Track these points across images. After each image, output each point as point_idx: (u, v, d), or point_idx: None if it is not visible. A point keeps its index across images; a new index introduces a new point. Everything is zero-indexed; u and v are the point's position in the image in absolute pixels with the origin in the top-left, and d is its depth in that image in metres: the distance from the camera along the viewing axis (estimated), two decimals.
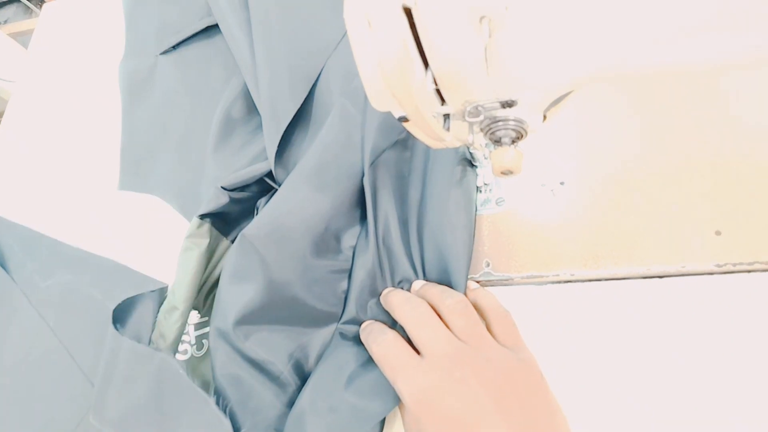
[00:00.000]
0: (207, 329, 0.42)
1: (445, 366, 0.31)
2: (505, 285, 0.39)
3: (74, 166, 0.59)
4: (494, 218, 0.40)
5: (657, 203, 0.37)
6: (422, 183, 0.42)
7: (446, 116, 0.29)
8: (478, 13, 0.24)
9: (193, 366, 0.41)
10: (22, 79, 0.70)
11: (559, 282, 0.38)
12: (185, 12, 0.61)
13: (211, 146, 0.49)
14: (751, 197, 0.36)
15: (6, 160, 0.63)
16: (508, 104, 0.28)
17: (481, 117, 0.29)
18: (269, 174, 0.45)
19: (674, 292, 0.35)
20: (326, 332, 0.39)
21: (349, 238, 0.42)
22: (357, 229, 0.42)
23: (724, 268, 0.35)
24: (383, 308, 0.38)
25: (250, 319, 0.37)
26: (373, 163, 0.42)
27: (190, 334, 0.42)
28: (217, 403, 0.34)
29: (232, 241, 0.45)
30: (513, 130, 0.30)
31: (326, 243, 0.41)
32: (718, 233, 0.35)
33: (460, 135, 0.32)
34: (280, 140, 0.44)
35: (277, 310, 0.38)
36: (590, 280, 0.37)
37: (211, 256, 0.43)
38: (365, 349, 0.36)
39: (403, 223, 0.40)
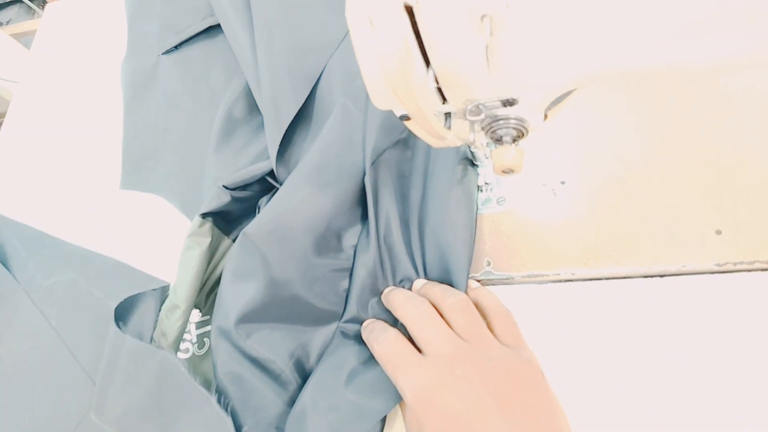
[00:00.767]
0: (208, 328, 0.42)
1: (447, 364, 0.31)
2: (506, 284, 0.39)
3: (76, 165, 0.59)
4: (495, 217, 0.40)
5: (658, 202, 0.37)
6: (423, 182, 0.42)
7: (447, 115, 0.29)
8: (480, 12, 0.24)
9: (194, 364, 0.41)
10: (24, 79, 0.70)
11: (560, 281, 0.38)
12: (187, 12, 0.61)
13: (213, 146, 0.49)
14: (752, 196, 0.36)
15: (8, 159, 0.63)
16: (509, 103, 0.28)
17: (482, 116, 0.29)
18: (271, 173, 0.45)
19: (675, 291, 0.35)
20: (327, 331, 0.39)
21: (350, 237, 0.42)
22: (358, 228, 0.42)
23: (725, 268, 0.35)
24: (384, 307, 0.38)
25: (251, 317, 0.37)
26: (374, 163, 0.42)
27: (192, 332, 0.43)
28: (219, 402, 0.34)
29: (234, 240, 0.45)
30: (514, 128, 0.30)
31: (327, 242, 0.41)
32: (718, 232, 0.35)
33: (461, 134, 0.32)
34: (282, 139, 0.44)
35: (278, 308, 0.38)
36: (591, 279, 0.37)
37: (212, 254, 0.43)
38: (366, 347, 0.36)
39: (405, 222, 0.40)
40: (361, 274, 0.39)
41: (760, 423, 0.31)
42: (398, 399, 0.33)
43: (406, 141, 0.44)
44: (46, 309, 0.48)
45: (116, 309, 0.39)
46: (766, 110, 0.39)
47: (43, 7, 1.56)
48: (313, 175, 0.41)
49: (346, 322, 0.39)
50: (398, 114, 0.29)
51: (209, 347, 0.41)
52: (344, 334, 0.39)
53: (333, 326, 0.39)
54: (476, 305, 0.35)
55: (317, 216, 0.40)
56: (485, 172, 0.41)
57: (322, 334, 0.39)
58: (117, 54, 0.64)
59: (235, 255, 0.39)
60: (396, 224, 0.40)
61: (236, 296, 0.37)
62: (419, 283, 0.38)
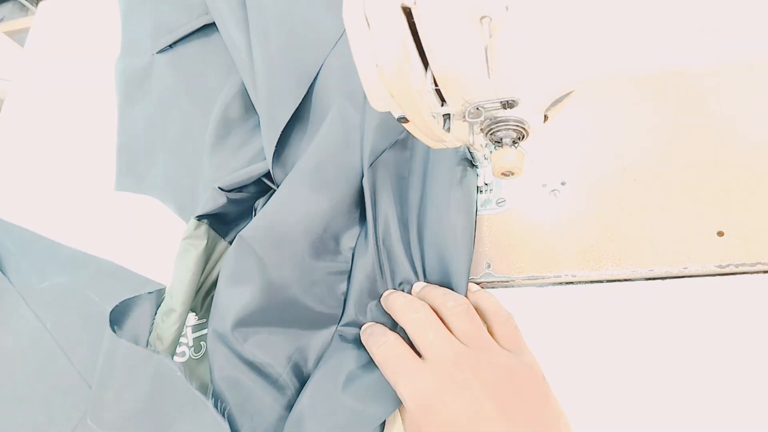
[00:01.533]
0: (205, 331, 0.42)
1: (448, 369, 0.30)
2: (506, 286, 0.38)
3: (70, 165, 0.58)
4: (495, 219, 0.40)
5: (659, 204, 0.37)
6: (422, 184, 0.41)
7: (446, 116, 0.29)
8: (479, 13, 0.23)
9: (190, 368, 0.41)
10: (17, 77, 0.69)
11: (561, 283, 0.37)
12: (181, 10, 0.60)
13: (209, 146, 0.49)
14: (753, 198, 0.35)
15: (2, 158, 0.63)
16: (508, 104, 0.27)
17: (482, 117, 0.29)
18: (267, 174, 0.44)
19: (676, 293, 0.35)
20: (325, 334, 0.39)
21: (348, 240, 0.41)
22: (356, 230, 0.42)
23: (726, 270, 0.34)
24: (383, 310, 0.37)
25: (248, 321, 0.36)
26: (372, 164, 0.41)
27: (188, 336, 0.42)
28: (215, 406, 0.34)
29: (230, 243, 0.44)
30: (514, 130, 0.29)
31: (325, 244, 0.40)
32: (720, 234, 0.35)
33: (460, 135, 0.31)
34: (278, 140, 0.44)
35: (275, 312, 0.37)
36: (591, 282, 0.37)
37: (208, 257, 0.43)
38: (365, 351, 0.35)
39: (403, 224, 0.40)
40: (359, 276, 0.39)
41: (762, 424, 0.31)
42: (397, 404, 0.33)
43: (404, 142, 0.43)
44: (41, 312, 0.48)
45: (111, 312, 0.38)
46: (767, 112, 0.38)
47: (36, 5, 1.54)
48: (310, 176, 0.40)
49: (345, 325, 0.39)
50: (396, 116, 0.28)
51: (206, 351, 0.40)
52: (342, 338, 0.38)
53: (331, 330, 0.39)
54: (476, 309, 0.35)
55: (314, 218, 0.39)
56: (485, 173, 0.41)
57: (320, 337, 0.39)
58: (111, 52, 0.63)
59: (232, 258, 0.38)
60: (395, 226, 0.39)
61: (233, 300, 0.37)
62: (419, 286, 0.37)
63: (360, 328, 0.37)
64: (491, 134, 0.30)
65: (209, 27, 0.58)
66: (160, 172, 0.52)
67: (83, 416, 0.42)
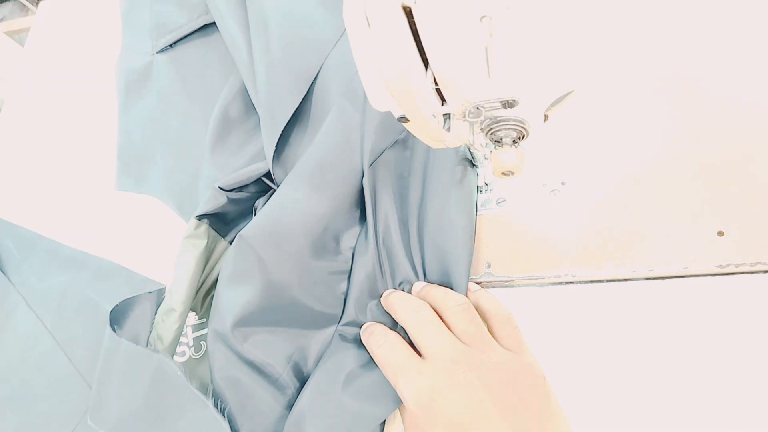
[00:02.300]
0: (205, 331, 0.42)
1: (448, 369, 0.30)
2: (506, 286, 0.38)
3: (71, 165, 0.58)
4: (495, 218, 0.40)
5: (659, 204, 0.37)
6: (422, 183, 0.41)
7: (446, 116, 0.29)
8: (479, 13, 0.23)
9: (191, 368, 0.41)
10: (18, 77, 0.69)
11: (561, 283, 0.37)
12: (182, 10, 0.60)
13: (209, 146, 0.49)
14: (754, 198, 0.35)
15: (2, 158, 0.63)
16: (509, 104, 0.27)
17: (482, 117, 0.29)
18: (267, 174, 0.44)
19: (677, 293, 0.35)
20: (325, 334, 0.39)
21: (348, 239, 0.41)
22: (356, 229, 0.42)
23: (727, 269, 0.34)
24: (383, 310, 0.37)
25: (248, 321, 0.36)
26: (372, 164, 0.41)
27: (188, 335, 0.42)
28: (216, 406, 0.34)
29: (231, 242, 0.44)
30: (514, 130, 0.29)
31: (325, 244, 0.40)
32: (720, 234, 0.35)
33: (460, 135, 0.31)
34: (279, 140, 0.44)
35: (275, 312, 0.37)
36: (592, 282, 0.37)
37: (209, 257, 0.43)
38: (365, 351, 0.35)
39: (404, 224, 0.40)
40: (359, 276, 0.39)
41: (763, 424, 0.31)
42: (398, 403, 0.33)
43: (404, 141, 0.43)
44: (42, 312, 0.48)
45: (112, 312, 0.38)
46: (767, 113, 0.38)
47: (36, 5, 1.54)
48: (310, 176, 0.40)
49: (345, 325, 0.39)
50: (397, 115, 0.28)
51: (206, 350, 0.40)
52: (342, 338, 0.38)
53: (331, 329, 0.39)
54: (477, 309, 0.35)
55: (315, 218, 0.39)
56: (485, 172, 0.41)
57: (320, 337, 0.39)
58: (112, 52, 0.63)
59: (232, 258, 0.38)
60: (395, 226, 0.39)
61: (233, 299, 0.37)
62: (419, 285, 0.37)
63: (360, 328, 0.37)
64: (491, 134, 0.30)
65: (209, 27, 0.58)
66: (160, 171, 0.52)
67: (83, 416, 0.42)
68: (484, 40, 0.24)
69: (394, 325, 0.36)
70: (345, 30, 0.45)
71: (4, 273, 0.51)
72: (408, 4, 0.23)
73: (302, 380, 0.37)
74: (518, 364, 0.32)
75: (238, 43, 0.50)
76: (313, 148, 0.42)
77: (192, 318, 0.42)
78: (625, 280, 0.36)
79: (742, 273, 0.34)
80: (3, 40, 1.15)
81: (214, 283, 0.42)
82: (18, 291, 0.50)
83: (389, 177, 0.41)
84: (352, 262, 0.40)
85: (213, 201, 0.42)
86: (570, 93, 0.31)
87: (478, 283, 0.38)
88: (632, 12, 0.37)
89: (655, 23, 0.40)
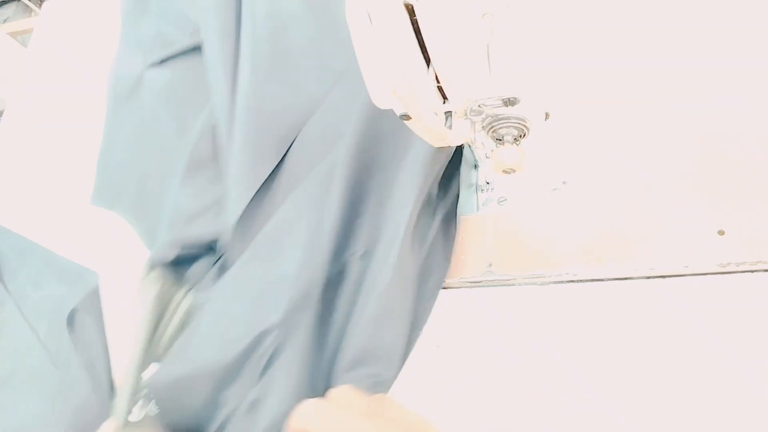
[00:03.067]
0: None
1: None
2: (507, 285, 0.38)
3: (72, 167, 0.58)
4: (496, 217, 0.40)
5: (660, 203, 0.37)
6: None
7: (448, 114, 0.29)
8: (480, 11, 0.23)
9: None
10: (21, 78, 0.69)
11: (562, 282, 0.37)
12: (180, 22, 0.58)
13: (180, 176, 0.48)
14: (754, 196, 0.35)
15: (3, 160, 0.63)
16: (510, 102, 0.28)
17: (483, 115, 0.29)
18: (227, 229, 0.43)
19: (677, 292, 0.35)
20: None
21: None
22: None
23: (728, 268, 0.34)
24: None
25: None
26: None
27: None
28: None
29: (189, 290, 0.43)
30: (515, 128, 0.30)
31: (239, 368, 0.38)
32: (721, 233, 0.35)
33: (461, 133, 0.31)
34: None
35: None
36: (593, 280, 0.37)
37: (167, 302, 0.42)
38: None
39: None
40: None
41: (763, 423, 0.31)
42: None
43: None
44: (35, 322, 0.48)
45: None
46: None
47: (40, 6, 1.55)
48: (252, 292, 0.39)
49: None
50: (398, 113, 0.28)
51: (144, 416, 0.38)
52: None
53: None
54: None
55: (234, 344, 0.37)
56: (486, 171, 0.41)
57: None
58: (114, 53, 0.63)
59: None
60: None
61: None
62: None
63: None
64: (492, 132, 0.30)
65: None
66: (133, 191, 0.51)
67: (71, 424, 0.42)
68: (485, 38, 0.24)
69: None
70: (332, 86, 0.45)
71: (1, 280, 0.51)
72: (410, 1, 0.23)
73: None
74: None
75: (218, 84, 0.49)
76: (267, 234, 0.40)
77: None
78: (626, 278, 0.36)
79: (743, 272, 0.34)
80: (6, 41, 1.15)
81: (178, 329, 0.41)
82: (13, 300, 0.50)
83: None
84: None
85: (164, 252, 0.42)
86: (572, 91, 0.31)
87: (479, 282, 0.38)
88: (633, 11, 0.38)
89: (656, 23, 0.40)
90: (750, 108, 0.39)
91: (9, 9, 1.66)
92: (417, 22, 0.24)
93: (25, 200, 0.58)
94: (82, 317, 0.44)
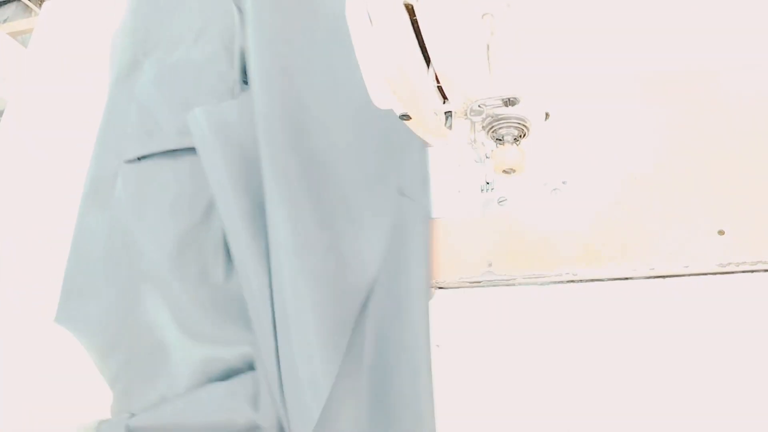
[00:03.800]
0: None
1: None
2: (507, 285, 0.38)
3: (73, 167, 0.58)
4: (496, 218, 0.40)
5: (660, 203, 0.37)
6: None
7: (448, 114, 0.29)
8: (480, 11, 0.23)
9: None
10: (20, 78, 0.69)
11: (562, 282, 0.37)
12: (161, 120, 0.53)
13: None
14: (755, 196, 0.36)
15: (3, 160, 0.63)
16: (510, 102, 0.28)
17: (483, 115, 0.29)
18: None
19: (677, 292, 0.35)
20: None
21: None
22: None
23: (728, 268, 0.34)
24: None
25: None
26: None
27: None
28: None
29: None
30: (515, 128, 0.30)
31: None
32: (721, 233, 0.35)
33: (461, 133, 0.31)
34: None
35: None
36: (593, 280, 0.37)
37: None
38: None
39: None
40: None
41: (763, 422, 0.31)
42: None
43: None
44: None
45: None
46: None
47: (40, 6, 1.55)
48: None
49: None
50: (398, 113, 0.28)
51: None
52: None
53: None
54: None
55: None
56: (486, 171, 0.41)
57: None
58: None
59: None
60: None
61: None
62: None
63: None
64: (492, 132, 0.30)
65: (181, 152, 0.50)
66: (94, 309, 0.47)
67: None
68: (485, 38, 0.24)
69: None
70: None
71: None
72: (410, 1, 0.23)
73: None
74: None
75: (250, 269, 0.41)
76: None
77: None
78: (626, 278, 0.36)
79: (743, 272, 0.34)
80: (6, 41, 1.16)
81: None
82: None
83: None
84: None
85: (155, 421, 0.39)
86: (572, 91, 0.31)
87: (478, 282, 0.38)
88: (634, 11, 0.38)
89: (657, 23, 0.40)
90: (750, 108, 0.39)
91: (9, 9, 1.66)
92: (417, 22, 0.24)
93: (25, 200, 0.58)
94: None
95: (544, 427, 0.34)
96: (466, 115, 0.29)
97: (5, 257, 0.54)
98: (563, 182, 0.40)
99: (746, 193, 0.36)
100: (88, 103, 0.63)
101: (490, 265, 0.39)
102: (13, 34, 1.21)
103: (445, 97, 0.28)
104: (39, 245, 0.54)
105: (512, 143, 0.30)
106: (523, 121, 0.29)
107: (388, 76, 0.25)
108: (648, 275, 0.36)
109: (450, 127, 0.29)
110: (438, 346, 0.38)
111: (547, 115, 0.30)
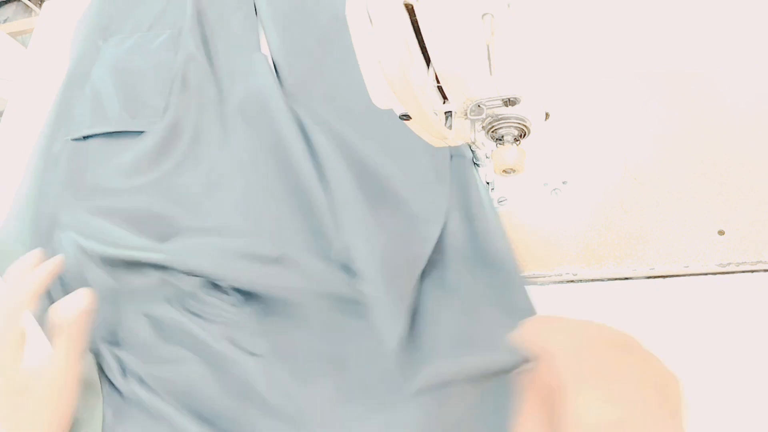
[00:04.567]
0: None
1: None
2: None
3: None
4: None
5: (660, 203, 0.37)
6: None
7: (448, 114, 0.29)
8: (481, 11, 0.23)
9: None
10: (21, 78, 0.69)
11: (562, 282, 0.37)
12: (107, 102, 0.55)
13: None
14: (755, 196, 0.36)
15: (3, 160, 0.63)
16: (510, 102, 0.28)
17: (483, 115, 0.29)
18: None
19: (677, 292, 0.35)
20: None
21: None
22: None
23: (728, 268, 0.34)
24: None
25: None
26: None
27: None
28: None
29: None
30: (515, 128, 0.30)
31: None
32: (721, 233, 0.35)
33: (461, 133, 0.31)
34: None
35: None
36: (593, 280, 0.37)
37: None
38: None
39: None
40: None
41: (763, 422, 0.31)
42: None
43: None
44: None
45: None
46: None
47: (40, 6, 1.55)
48: None
49: None
50: (399, 113, 0.28)
51: None
52: None
53: None
54: None
55: None
56: (486, 171, 0.41)
57: None
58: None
59: None
60: None
61: None
62: None
63: None
64: (492, 132, 0.30)
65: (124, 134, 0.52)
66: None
67: None
68: (485, 38, 0.24)
69: None
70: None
71: None
72: (410, 1, 0.23)
73: None
74: None
75: None
76: None
77: None
78: (626, 278, 0.36)
79: (743, 272, 0.34)
80: (6, 41, 1.16)
81: None
82: None
83: None
84: None
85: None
86: (572, 91, 0.31)
87: None
88: (634, 11, 0.38)
89: (657, 23, 0.41)
90: (750, 108, 0.39)
91: (9, 9, 1.66)
92: (417, 22, 0.24)
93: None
94: None
95: None
96: (466, 115, 0.29)
97: None
98: (563, 182, 0.40)
99: (746, 193, 0.36)
100: None
101: None
102: (13, 34, 1.21)
103: (445, 97, 0.28)
104: None
105: (512, 143, 0.30)
106: (523, 121, 0.29)
107: (389, 75, 0.25)
108: (648, 275, 0.36)
109: (450, 127, 0.29)
110: None
111: (547, 115, 0.30)
